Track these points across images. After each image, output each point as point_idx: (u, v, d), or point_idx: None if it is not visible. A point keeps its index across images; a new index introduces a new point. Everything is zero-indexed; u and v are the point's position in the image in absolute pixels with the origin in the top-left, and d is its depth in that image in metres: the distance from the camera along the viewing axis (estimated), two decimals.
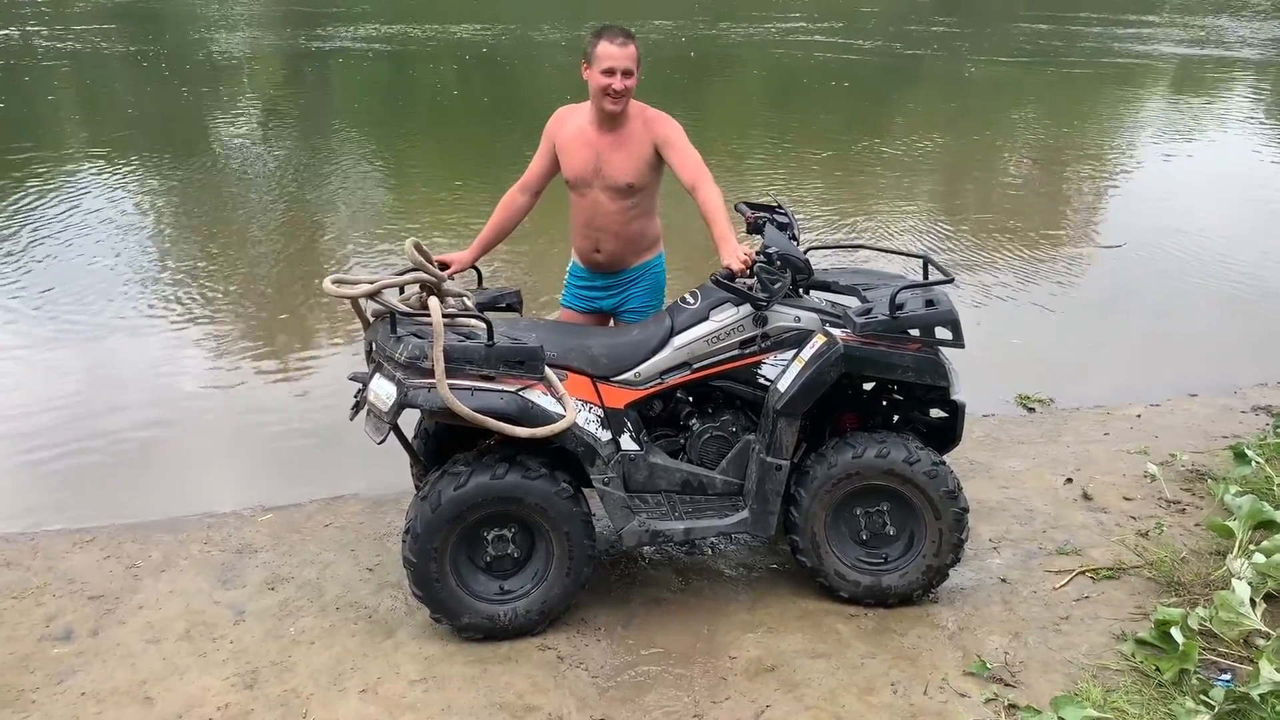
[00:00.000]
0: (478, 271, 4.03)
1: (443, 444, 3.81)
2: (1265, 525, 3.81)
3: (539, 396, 3.32)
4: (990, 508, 4.34)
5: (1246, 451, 4.45)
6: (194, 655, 3.44)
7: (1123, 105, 14.00)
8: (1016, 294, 7.15)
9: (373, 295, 3.35)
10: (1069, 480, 4.60)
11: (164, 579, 3.90)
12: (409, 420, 3.53)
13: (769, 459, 3.49)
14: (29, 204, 8.85)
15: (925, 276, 3.78)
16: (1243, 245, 8.12)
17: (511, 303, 3.96)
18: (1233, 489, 4.12)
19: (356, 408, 3.56)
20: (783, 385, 3.46)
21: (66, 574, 3.93)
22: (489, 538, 3.42)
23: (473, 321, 3.42)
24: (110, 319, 6.52)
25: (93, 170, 10.11)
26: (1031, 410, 5.50)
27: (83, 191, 9.30)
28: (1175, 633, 3.21)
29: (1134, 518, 4.26)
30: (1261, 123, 12.92)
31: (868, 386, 3.83)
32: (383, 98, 14.67)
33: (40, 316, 6.53)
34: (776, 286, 3.45)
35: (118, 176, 9.93)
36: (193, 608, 3.71)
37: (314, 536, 4.20)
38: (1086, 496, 4.45)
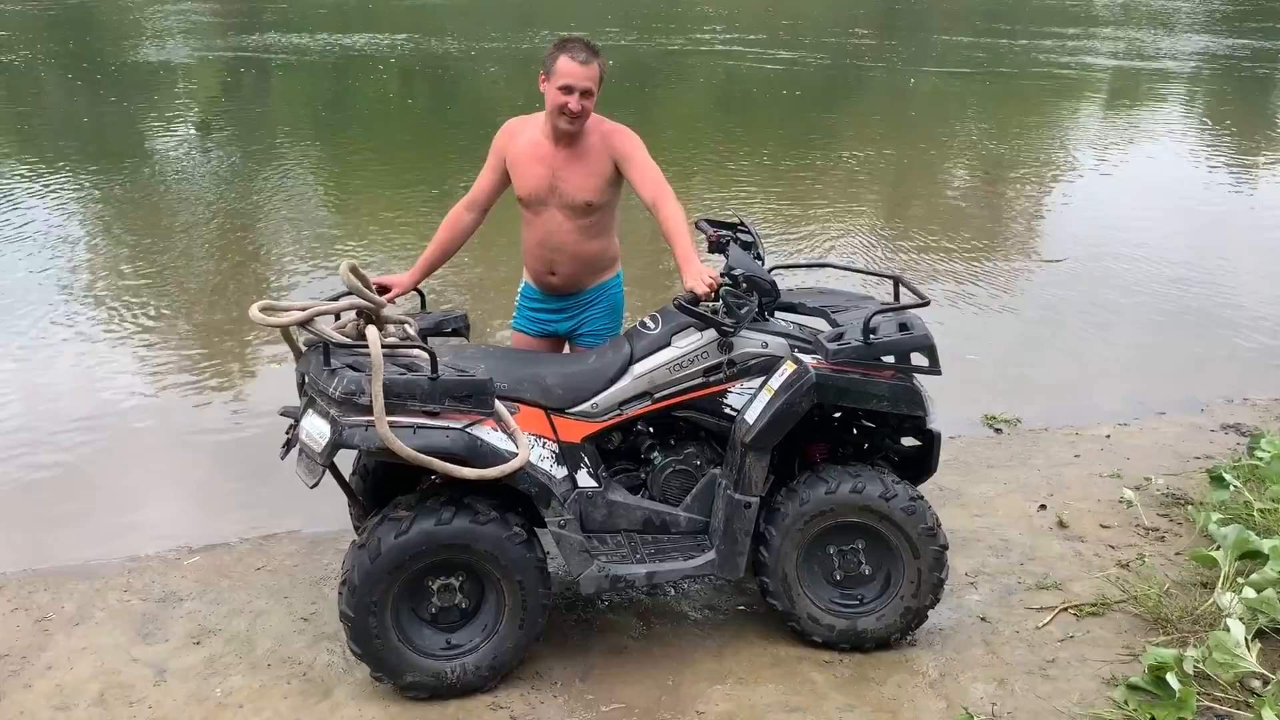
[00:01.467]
0: (420, 294, 3.76)
1: (383, 483, 3.52)
2: (1250, 555, 3.65)
3: (488, 433, 3.05)
4: (964, 538, 4.14)
5: (1224, 475, 4.30)
6: None
7: (1061, 116, 14.04)
8: (966, 308, 6.97)
9: (304, 324, 3.06)
10: (1043, 507, 4.42)
11: (77, 633, 3.56)
12: (346, 457, 3.23)
13: (737, 496, 3.25)
14: None
15: (896, 298, 3.59)
16: (1189, 256, 8.05)
17: (458, 327, 3.69)
18: (1215, 517, 3.96)
19: (287, 446, 3.27)
20: (751, 416, 3.23)
21: None
22: (434, 587, 3.13)
23: (415, 352, 3.14)
24: (30, 340, 6.12)
25: (22, 180, 9.61)
26: (998, 431, 5.33)
27: (8, 203, 8.82)
28: (1171, 678, 3.02)
29: (1113, 547, 4.09)
30: (1197, 132, 13.02)
31: (836, 414, 3.62)
32: (313, 107, 14.25)
33: None
34: (743, 311, 3.21)
35: (47, 187, 9.42)
36: (108, 667, 3.38)
37: (244, 582, 3.88)
38: (1062, 524, 4.27)
